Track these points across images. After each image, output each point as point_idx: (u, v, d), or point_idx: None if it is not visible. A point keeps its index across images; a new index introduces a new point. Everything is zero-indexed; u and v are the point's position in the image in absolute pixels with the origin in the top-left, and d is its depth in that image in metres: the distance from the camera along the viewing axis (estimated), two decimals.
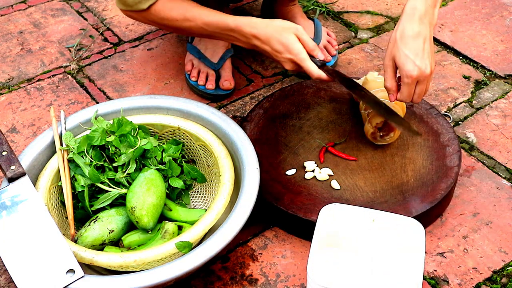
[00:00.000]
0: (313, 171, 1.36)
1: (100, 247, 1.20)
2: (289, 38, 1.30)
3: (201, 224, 1.16)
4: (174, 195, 1.32)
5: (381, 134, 1.38)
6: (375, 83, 1.43)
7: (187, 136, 1.36)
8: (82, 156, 1.25)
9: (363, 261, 1.18)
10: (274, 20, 1.34)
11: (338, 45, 1.80)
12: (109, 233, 1.20)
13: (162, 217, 1.25)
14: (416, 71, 1.21)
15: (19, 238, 1.11)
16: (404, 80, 1.23)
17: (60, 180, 1.26)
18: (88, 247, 1.17)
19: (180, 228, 1.22)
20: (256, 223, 1.33)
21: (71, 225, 1.22)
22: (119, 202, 1.25)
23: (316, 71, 1.30)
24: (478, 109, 1.61)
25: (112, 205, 1.25)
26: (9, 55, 1.82)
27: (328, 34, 1.77)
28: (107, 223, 1.21)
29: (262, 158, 1.38)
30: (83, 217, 1.26)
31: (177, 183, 1.29)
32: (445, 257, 1.27)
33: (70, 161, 1.26)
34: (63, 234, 1.14)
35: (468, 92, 1.66)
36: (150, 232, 1.22)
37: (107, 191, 1.24)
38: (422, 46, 1.22)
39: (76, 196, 1.26)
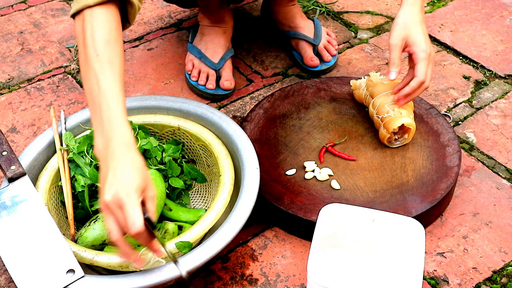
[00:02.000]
0: (313, 171, 1.36)
1: (100, 247, 1.20)
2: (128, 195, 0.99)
3: (201, 224, 1.16)
4: (174, 195, 1.32)
5: (396, 138, 1.39)
6: (382, 86, 1.42)
7: (187, 136, 1.36)
8: (82, 156, 1.25)
9: (363, 261, 1.18)
10: (132, 167, 1.02)
11: (338, 45, 1.80)
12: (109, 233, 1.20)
13: (162, 217, 1.25)
14: (430, 48, 1.32)
15: (19, 238, 1.11)
16: (420, 56, 1.31)
17: (60, 180, 1.26)
18: (88, 247, 1.17)
19: (180, 228, 1.22)
20: (256, 223, 1.33)
21: (71, 225, 1.22)
22: None
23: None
24: (478, 109, 1.61)
25: None
26: (9, 55, 1.82)
27: (328, 34, 1.77)
28: None
29: (262, 158, 1.38)
30: (83, 217, 1.26)
31: (177, 183, 1.29)
32: (445, 257, 1.27)
33: (70, 161, 1.26)
34: (63, 234, 1.14)
35: (468, 92, 1.66)
36: None
37: None
38: (426, 31, 1.34)
39: (76, 196, 1.26)
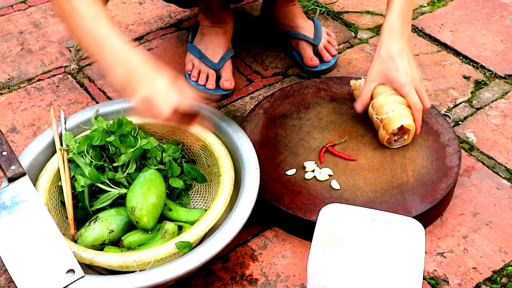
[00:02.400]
0: (313, 171, 1.36)
1: (100, 247, 1.20)
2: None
3: (201, 224, 1.16)
4: (174, 195, 1.32)
5: (396, 139, 1.39)
6: (382, 87, 1.41)
7: (187, 136, 1.36)
8: (82, 156, 1.25)
9: (363, 261, 1.19)
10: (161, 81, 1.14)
11: (338, 45, 1.80)
12: (109, 233, 1.20)
13: (162, 217, 1.25)
14: (409, 79, 1.35)
15: (19, 238, 1.11)
16: (404, 91, 1.36)
17: (60, 180, 1.26)
18: (88, 247, 1.17)
19: (180, 228, 1.22)
20: (256, 223, 1.33)
21: (71, 225, 1.22)
22: (119, 202, 1.25)
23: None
24: (478, 109, 1.61)
25: (112, 205, 1.25)
26: (9, 55, 1.82)
27: (328, 34, 1.77)
28: (107, 223, 1.21)
29: (262, 158, 1.38)
30: (83, 217, 1.26)
31: (177, 183, 1.29)
32: (445, 257, 1.27)
33: (70, 161, 1.26)
34: (63, 234, 1.14)
35: (468, 92, 1.66)
36: (150, 232, 1.22)
37: (107, 191, 1.24)
38: (407, 59, 1.36)
39: (76, 196, 1.26)
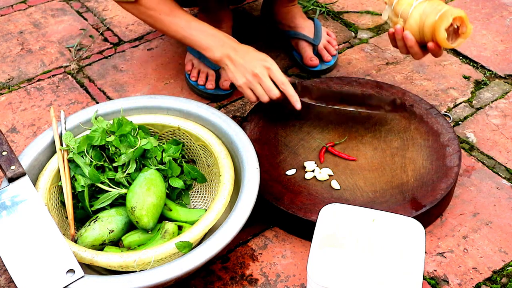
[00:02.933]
0: (313, 171, 1.36)
1: (100, 247, 1.20)
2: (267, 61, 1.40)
3: (201, 224, 1.16)
4: (174, 195, 1.32)
5: (455, 30, 1.27)
6: None
7: (187, 136, 1.36)
8: (82, 156, 1.25)
9: (363, 261, 1.19)
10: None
11: (338, 45, 1.80)
12: (109, 233, 1.20)
13: (162, 217, 1.25)
14: None
15: (19, 238, 1.11)
16: None
17: (60, 180, 1.26)
18: (88, 247, 1.17)
19: (180, 228, 1.22)
20: (256, 223, 1.33)
21: (71, 225, 1.22)
22: (119, 202, 1.25)
23: (285, 79, 1.39)
24: (478, 109, 1.62)
25: (112, 205, 1.25)
26: (9, 55, 1.82)
27: (328, 34, 1.77)
28: (107, 223, 1.21)
29: (262, 158, 1.38)
30: (83, 217, 1.26)
31: (177, 183, 1.29)
32: (445, 257, 1.27)
33: (70, 161, 1.26)
34: (63, 234, 1.14)
35: (468, 92, 1.66)
36: (150, 232, 1.22)
37: (107, 191, 1.24)
38: None
39: (76, 196, 1.26)
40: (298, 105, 1.39)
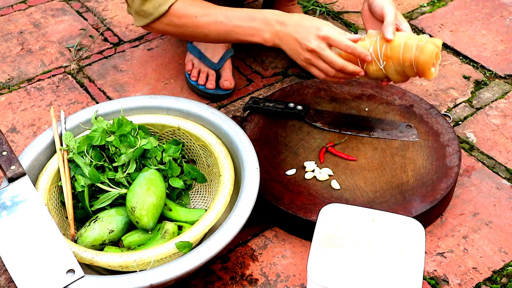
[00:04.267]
0: (313, 171, 1.36)
1: (100, 247, 1.20)
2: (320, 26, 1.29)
3: (201, 224, 1.16)
4: (174, 195, 1.32)
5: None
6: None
7: (187, 136, 1.36)
8: (82, 156, 1.25)
9: (363, 261, 1.19)
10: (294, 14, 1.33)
11: None
12: (109, 233, 1.20)
13: (162, 217, 1.25)
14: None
15: (19, 238, 1.11)
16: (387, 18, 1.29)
17: (60, 180, 1.26)
18: (88, 247, 1.17)
19: (180, 228, 1.22)
20: (256, 223, 1.33)
21: (71, 225, 1.22)
22: (119, 202, 1.25)
23: (348, 42, 1.26)
24: (478, 109, 1.62)
25: (112, 205, 1.25)
26: (9, 55, 1.82)
27: None
28: (107, 223, 1.21)
29: (262, 158, 1.38)
30: (83, 217, 1.26)
31: (177, 183, 1.29)
32: (445, 257, 1.27)
33: (70, 161, 1.26)
34: (63, 234, 1.14)
35: (468, 92, 1.66)
36: (150, 232, 1.22)
37: (107, 191, 1.24)
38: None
39: (76, 196, 1.26)
40: (368, 58, 1.27)
